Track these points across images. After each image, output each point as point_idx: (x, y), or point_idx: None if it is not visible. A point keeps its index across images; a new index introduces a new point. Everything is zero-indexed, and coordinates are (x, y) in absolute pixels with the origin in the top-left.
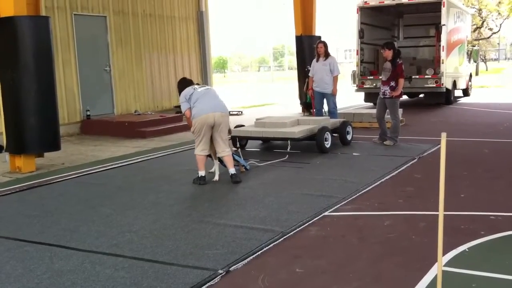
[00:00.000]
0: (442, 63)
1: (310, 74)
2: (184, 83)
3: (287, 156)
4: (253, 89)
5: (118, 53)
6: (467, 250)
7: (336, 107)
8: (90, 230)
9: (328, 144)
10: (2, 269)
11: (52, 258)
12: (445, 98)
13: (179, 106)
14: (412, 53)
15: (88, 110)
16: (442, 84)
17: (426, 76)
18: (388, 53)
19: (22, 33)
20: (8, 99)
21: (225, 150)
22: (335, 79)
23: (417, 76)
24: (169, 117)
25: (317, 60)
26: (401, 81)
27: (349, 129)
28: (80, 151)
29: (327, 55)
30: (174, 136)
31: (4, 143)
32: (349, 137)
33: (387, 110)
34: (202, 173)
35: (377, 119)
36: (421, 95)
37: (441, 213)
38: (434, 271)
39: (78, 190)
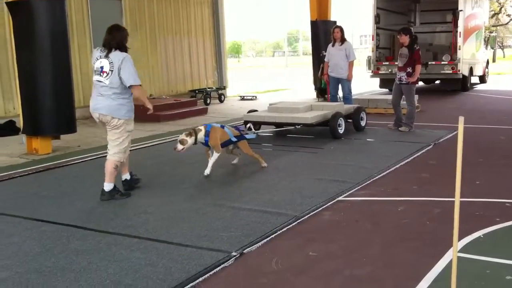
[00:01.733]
0: (459, 49)
1: (325, 59)
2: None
3: (301, 125)
4: (268, 74)
5: (133, 37)
6: (481, 236)
7: (351, 92)
8: (106, 211)
9: (341, 130)
10: (20, 248)
11: (69, 238)
12: (461, 84)
13: (194, 91)
14: (428, 39)
15: None
16: (459, 70)
17: (442, 62)
18: (405, 39)
19: (38, 16)
20: (25, 82)
21: (110, 151)
22: (350, 65)
23: (433, 62)
24: (183, 101)
25: (333, 45)
26: (418, 68)
27: (363, 115)
28: (96, 134)
29: (343, 40)
30: (188, 121)
31: (21, 125)
32: (363, 123)
33: (403, 96)
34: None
35: (392, 105)
36: (437, 82)
37: (457, 197)
38: (448, 257)
39: (93, 172)
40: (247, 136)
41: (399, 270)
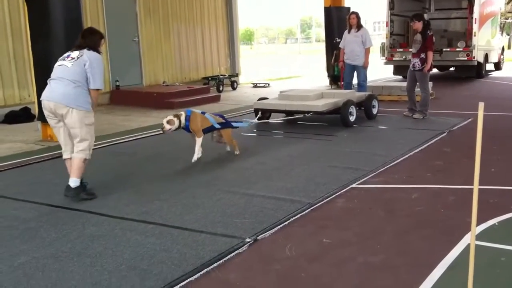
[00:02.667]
0: (474, 35)
1: (341, 46)
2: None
3: (311, 113)
4: (281, 61)
5: (147, 24)
6: (496, 224)
7: (366, 80)
8: (121, 197)
9: (352, 118)
10: (36, 233)
11: (84, 224)
12: (476, 71)
13: (207, 78)
14: (443, 25)
15: (117, 81)
16: (474, 57)
17: (457, 49)
18: (418, 25)
19: (53, 5)
20: (40, 70)
21: (75, 149)
22: (367, 52)
23: (448, 49)
24: (196, 88)
25: (349, 32)
26: (430, 54)
27: (375, 103)
28: (110, 121)
29: (359, 26)
30: (202, 108)
31: (36, 112)
32: (374, 111)
33: (417, 83)
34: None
35: (407, 91)
36: (452, 68)
37: (476, 181)
38: (462, 245)
39: (108, 159)
40: (236, 124)
41: (413, 258)
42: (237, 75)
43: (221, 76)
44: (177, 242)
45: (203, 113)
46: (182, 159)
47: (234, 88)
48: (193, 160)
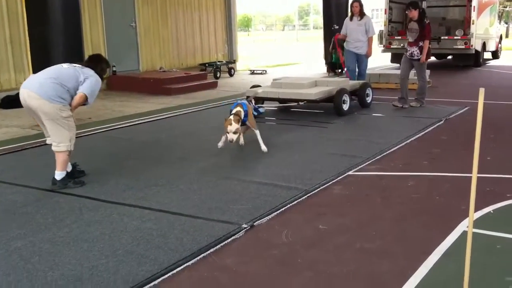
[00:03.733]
0: (473, 24)
1: (342, 32)
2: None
3: (305, 102)
4: (278, 48)
5: (144, 9)
6: (492, 211)
7: (366, 70)
8: (118, 183)
9: (346, 107)
10: (33, 218)
11: (81, 209)
12: (474, 60)
13: (204, 64)
14: (441, 13)
15: (114, 66)
16: (472, 45)
17: (455, 37)
18: (414, 13)
19: None
20: (37, 54)
21: (54, 143)
22: (370, 40)
23: (446, 37)
24: (194, 74)
25: (351, 19)
26: (427, 43)
27: (369, 91)
28: (107, 107)
29: (362, 14)
30: (199, 94)
31: None
32: (368, 99)
33: (412, 72)
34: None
35: (400, 80)
36: (450, 57)
37: (475, 167)
38: (458, 232)
39: (105, 144)
40: (261, 110)
41: (410, 244)
42: (234, 61)
43: (218, 63)
44: (174, 227)
45: (250, 102)
46: (179, 145)
47: (231, 75)
48: (265, 150)
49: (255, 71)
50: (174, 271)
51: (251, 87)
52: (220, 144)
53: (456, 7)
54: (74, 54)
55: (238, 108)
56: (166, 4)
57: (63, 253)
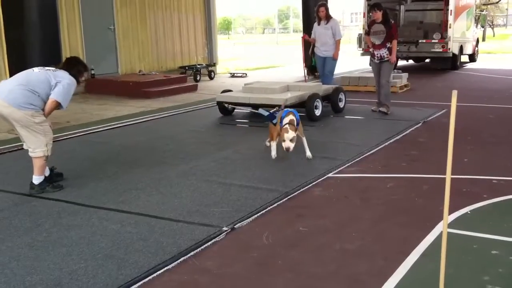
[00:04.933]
0: (450, 27)
1: (312, 37)
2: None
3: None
4: (258, 51)
5: (123, 12)
6: (469, 212)
7: (333, 73)
8: (97, 187)
9: (318, 112)
10: (11, 222)
11: (60, 213)
12: (451, 63)
13: (184, 67)
14: (419, 17)
15: (93, 69)
16: (449, 49)
17: (433, 41)
18: (379, 15)
19: None
20: (14, 57)
21: (30, 148)
22: (337, 43)
23: (424, 41)
24: (173, 77)
25: (319, 24)
26: (395, 43)
27: (342, 96)
28: (85, 110)
29: (328, 18)
30: (179, 97)
31: None
32: (341, 104)
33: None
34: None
35: (377, 86)
36: (427, 60)
37: (449, 169)
38: (436, 232)
39: (83, 148)
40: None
41: (389, 244)
42: (214, 64)
43: (198, 66)
44: (154, 231)
45: (293, 111)
46: (159, 149)
47: (211, 78)
48: (310, 157)
49: (235, 74)
50: (154, 275)
51: (222, 92)
52: (273, 153)
53: (434, 11)
54: (51, 57)
55: (291, 116)
56: (145, 6)
57: (42, 257)
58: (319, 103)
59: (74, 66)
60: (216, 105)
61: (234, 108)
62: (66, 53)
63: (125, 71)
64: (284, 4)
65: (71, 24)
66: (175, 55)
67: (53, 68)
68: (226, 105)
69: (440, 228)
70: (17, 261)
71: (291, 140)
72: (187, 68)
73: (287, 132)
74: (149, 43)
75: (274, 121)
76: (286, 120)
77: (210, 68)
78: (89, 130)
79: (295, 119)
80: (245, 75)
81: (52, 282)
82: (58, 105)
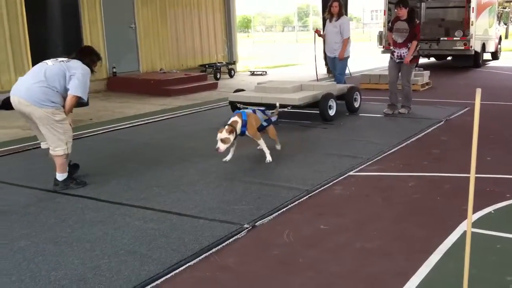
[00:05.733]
0: (472, 25)
1: (324, 33)
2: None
3: (290, 107)
4: (278, 49)
5: (143, 10)
6: (492, 212)
7: (344, 73)
8: (119, 183)
9: (332, 112)
10: (36, 218)
11: (83, 210)
12: (473, 61)
13: (204, 65)
14: (441, 14)
15: (114, 67)
16: (471, 46)
17: (454, 38)
18: (404, 12)
19: None
20: (37, 54)
21: (51, 147)
22: (344, 42)
23: (445, 38)
24: (193, 75)
25: (330, 21)
26: (415, 44)
27: (357, 95)
28: (107, 108)
29: (340, 15)
30: (199, 95)
31: None
32: (356, 104)
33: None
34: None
35: (390, 85)
36: (449, 58)
37: (473, 166)
38: (458, 232)
39: (106, 145)
40: (273, 119)
41: (410, 244)
42: (234, 62)
43: (218, 64)
44: (175, 227)
45: (253, 111)
46: (179, 146)
47: (231, 76)
48: (267, 161)
49: (255, 72)
50: (177, 271)
51: (234, 91)
52: (268, 158)
53: (455, 8)
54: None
55: (235, 118)
56: (165, 4)
57: (66, 253)
58: (333, 103)
59: (87, 56)
60: (229, 104)
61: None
62: None
63: (146, 69)
64: (304, 2)
65: (92, 22)
66: (195, 53)
67: (66, 59)
68: (238, 105)
69: (462, 227)
70: (42, 256)
71: (222, 140)
72: (207, 66)
73: (221, 132)
74: (170, 41)
75: (274, 119)
76: (230, 121)
77: (230, 66)
78: (111, 127)
79: (239, 121)
80: (265, 73)
81: (76, 277)
82: (78, 100)
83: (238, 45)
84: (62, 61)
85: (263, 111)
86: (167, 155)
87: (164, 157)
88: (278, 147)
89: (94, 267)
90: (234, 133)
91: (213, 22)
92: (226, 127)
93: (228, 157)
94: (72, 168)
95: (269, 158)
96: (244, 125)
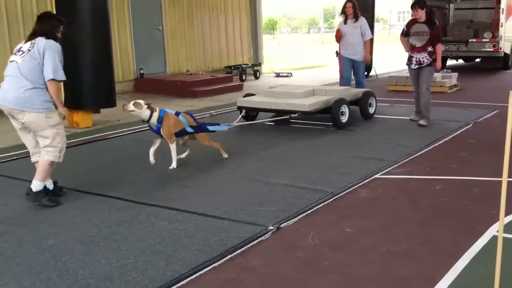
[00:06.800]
0: (501, 26)
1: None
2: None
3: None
4: (303, 50)
5: (170, 12)
6: None
7: (364, 76)
8: (145, 184)
9: (344, 118)
10: (64, 218)
11: (110, 209)
12: (502, 63)
13: (230, 67)
14: (469, 16)
15: (142, 69)
16: (500, 48)
17: (483, 40)
18: (422, 14)
19: None
20: (67, 58)
21: (43, 150)
22: (366, 44)
23: (474, 40)
24: (219, 77)
25: (345, 22)
26: (440, 48)
27: (372, 101)
28: None
29: (356, 16)
30: (224, 96)
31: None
32: (371, 109)
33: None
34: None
35: (415, 93)
36: (477, 60)
37: (505, 169)
38: (487, 236)
39: (132, 146)
40: (212, 128)
41: (437, 248)
42: (260, 64)
43: (244, 65)
44: (200, 228)
45: (177, 113)
46: (204, 147)
47: (256, 77)
48: (171, 167)
49: (280, 74)
50: (201, 272)
51: (244, 96)
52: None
53: (484, 10)
54: (103, 58)
55: (157, 110)
56: (192, 7)
57: (93, 252)
58: (345, 109)
59: (47, 23)
60: (238, 109)
61: (257, 114)
62: (116, 53)
63: (172, 70)
64: (330, 3)
65: (121, 25)
66: (221, 55)
67: (27, 46)
68: (243, 111)
69: (491, 232)
70: (70, 255)
71: (127, 108)
72: (233, 68)
73: (129, 103)
74: (196, 43)
75: (212, 128)
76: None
77: (255, 68)
78: (137, 128)
79: (157, 115)
80: (290, 74)
81: (103, 276)
82: (57, 83)
83: (264, 46)
84: (28, 50)
85: (193, 118)
86: (192, 155)
87: (190, 158)
88: (225, 155)
89: (121, 266)
90: (149, 112)
91: (239, 24)
92: (135, 102)
93: (174, 164)
94: (59, 190)
95: (174, 164)
96: (160, 121)
